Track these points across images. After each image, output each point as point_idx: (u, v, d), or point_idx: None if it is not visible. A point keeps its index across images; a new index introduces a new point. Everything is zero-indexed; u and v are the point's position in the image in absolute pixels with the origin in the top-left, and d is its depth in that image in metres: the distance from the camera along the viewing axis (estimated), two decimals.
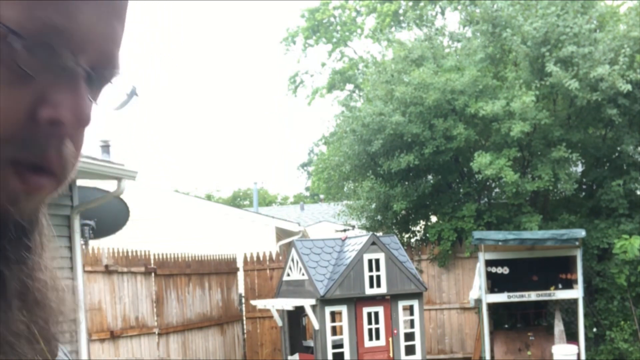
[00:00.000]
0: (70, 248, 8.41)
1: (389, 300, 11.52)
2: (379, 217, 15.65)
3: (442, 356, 14.99)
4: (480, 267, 12.48)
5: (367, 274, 11.33)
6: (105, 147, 12.10)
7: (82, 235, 8.77)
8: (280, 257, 15.40)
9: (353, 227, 17.05)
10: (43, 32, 0.63)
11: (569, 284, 12.41)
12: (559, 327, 12.48)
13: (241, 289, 15.45)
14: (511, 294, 12.37)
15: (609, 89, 12.88)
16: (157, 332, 11.99)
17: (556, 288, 12.39)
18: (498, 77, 14.92)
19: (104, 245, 10.87)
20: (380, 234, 13.73)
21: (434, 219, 15.77)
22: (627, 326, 13.61)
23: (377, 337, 11.43)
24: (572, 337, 12.74)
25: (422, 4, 25.88)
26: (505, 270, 12.65)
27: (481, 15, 14.71)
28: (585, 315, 12.96)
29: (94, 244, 10.35)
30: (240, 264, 15.37)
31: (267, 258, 15.48)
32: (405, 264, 11.65)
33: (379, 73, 15.58)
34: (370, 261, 11.36)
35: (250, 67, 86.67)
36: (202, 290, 13.76)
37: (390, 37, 18.80)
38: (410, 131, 14.03)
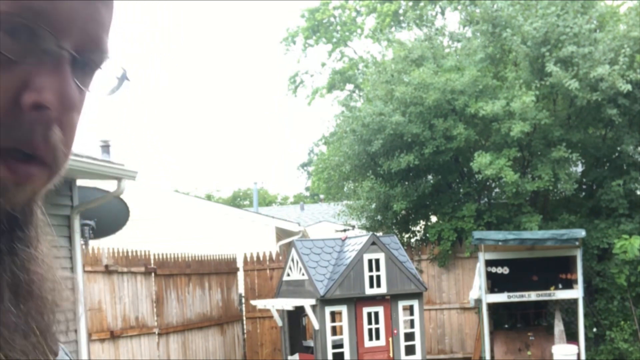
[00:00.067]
0: (70, 248, 8.41)
1: (389, 300, 11.52)
2: (379, 217, 15.65)
3: (442, 356, 14.99)
4: (480, 267, 12.48)
5: (367, 274, 11.33)
6: (105, 147, 12.10)
7: (82, 235, 8.77)
8: (280, 257, 15.40)
9: (353, 227, 17.05)
10: (23, 15, 0.62)
11: (569, 284, 12.41)
12: (559, 327, 12.48)
13: (241, 289, 15.45)
14: (511, 294, 12.37)
15: (609, 89, 12.88)
16: (157, 332, 11.99)
17: (556, 288, 12.39)
18: (498, 77, 14.92)
19: (104, 245, 10.87)
20: (380, 234, 13.73)
21: (434, 219, 15.77)
22: (627, 326, 13.61)
23: (377, 337, 11.43)
24: (572, 337, 12.74)
25: (422, 4, 25.87)
26: (505, 270, 12.65)
27: (481, 15, 14.71)
28: (585, 315, 12.96)
29: (94, 244, 10.35)
30: (240, 264, 15.38)
31: (267, 258, 15.48)
32: (405, 264, 11.65)
33: (379, 73, 15.58)
34: (370, 261, 11.36)
35: (251, 67, 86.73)
36: (202, 290, 13.76)
37: (390, 37, 18.80)
38: (410, 131, 14.03)
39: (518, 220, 14.03)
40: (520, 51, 13.68)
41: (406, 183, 15.29)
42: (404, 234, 15.81)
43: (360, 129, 14.62)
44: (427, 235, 15.10)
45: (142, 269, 11.69)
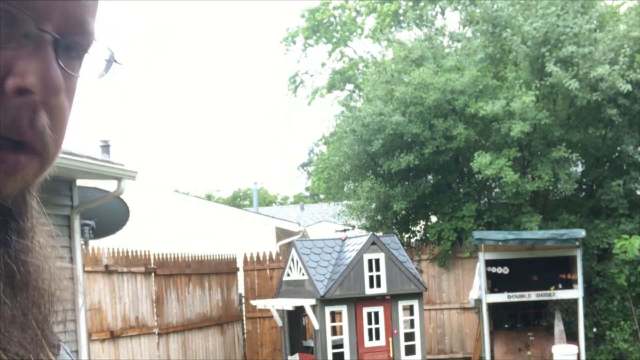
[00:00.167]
0: (70, 248, 8.41)
1: (389, 300, 11.52)
2: (379, 217, 15.65)
3: (442, 356, 14.99)
4: (480, 267, 12.48)
5: (367, 274, 11.33)
6: (105, 147, 12.11)
7: (82, 235, 8.78)
8: (280, 257, 15.40)
9: (353, 227, 17.05)
10: (1, 0, 0.61)
11: (569, 284, 12.41)
12: (559, 327, 12.48)
13: (241, 289, 15.45)
14: (511, 294, 12.37)
15: (609, 89, 12.88)
16: (157, 332, 11.99)
17: (556, 288, 12.39)
18: (498, 77, 14.92)
19: (104, 245, 10.87)
20: (380, 234, 13.73)
21: (434, 219, 15.77)
22: (627, 326, 13.61)
23: (377, 337, 11.43)
24: (572, 337, 12.74)
25: (422, 4, 25.87)
26: (505, 270, 12.65)
27: (481, 15, 14.71)
28: (585, 315, 12.96)
29: (94, 244, 10.35)
30: (240, 264, 15.38)
31: (267, 258, 15.48)
32: (405, 264, 11.65)
33: (379, 73, 15.58)
34: (370, 261, 11.36)
35: (250, 67, 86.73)
36: (202, 290, 13.76)
37: (390, 37, 18.80)
38: (410, 131, 14.03)
39: (518, 220, 14.04)
40: (520, 51, 13.68)
41: (406, 183, 15.29)
42: (404, 234, 15.82)
43: (360, 129, 14.62)
44: (427, 235, 15.10)
45: (142, 269, 11.69)
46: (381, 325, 11.44)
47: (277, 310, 12.30)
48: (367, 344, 11.37)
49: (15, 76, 0.62)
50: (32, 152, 0.65)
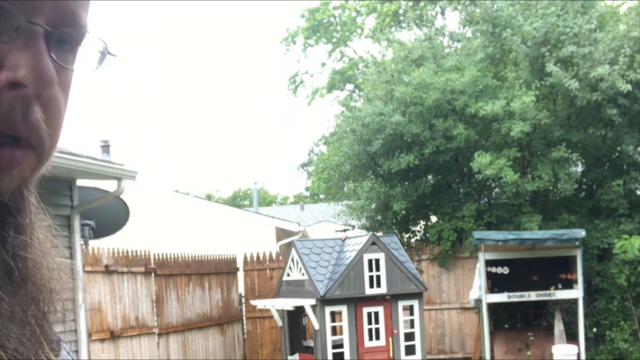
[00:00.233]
0: (70, 248, 8.41)
1: (389, 300, 11.52)
2: (379, 217, 15.65)
3: (442, 356, 14.99)
4: (480, 267, 12.48)
5: (367, 274, 11.33)
6: (105, 147, 12.11)
7: (82, 235, 8.77)
8: (280, 257, 15.40)
9: (353, 227, 17.05)
10: None
11: (569, 284, 12.41)
12: (559, 327, 12.48)
13: (241, 289, 15.45)
14: (511, 294, 12.37)
15: (609, 89, 12.88)
16: (157, 332, 11.99)
17: (556, 288, 12.39)
18: (498, 77, 14.92)
19: (104, 245, 10.87)
20: (380, 234, 13.73)
21: (434, 219, 15.77)
22: (627, 326, 13.61)
23: (377, 337, 11.43)
24: (572, 337, 12.74)
25: (422, 4, 25.87)
26: (505, 270, 12.65)
27: (481, 15, 14.71)
28: (585, 315, 12.96)
29: (94, 244, 10.35)
30: (240, 264, 15.38)
31: (267, 258, 15.48)
32: (405, 264, 11.65)
33: (379, 73, 15.58)
34: (370, 261, 11.36)
35: (250, 67, 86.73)
36: (202, 290, 13.76)
37: (390, 37, 18.79)
38: (410, 131, 14.03)
39: (518, 220, 14.04)
40: (520, 51, 13.68)
41: (406, 183, 15.29)
42: (404, 234, 15.82)
43: (360, 129, 14.62)
44: (427, 235, 15.10)
45: (142, 269, 11.70)
46: (381, 325, 11.44)
47: (277, 310, 12.30)
48: (367, 344, 11.37)
49: (6, 70, 0.62)
50: (28, 147, 0.64)
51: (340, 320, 11.52)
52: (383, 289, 11.39)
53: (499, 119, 13.67)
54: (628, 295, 13.74)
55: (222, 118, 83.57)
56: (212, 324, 13.95)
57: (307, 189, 49.09)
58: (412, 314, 11.74)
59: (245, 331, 15.49)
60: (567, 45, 13.17)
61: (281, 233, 18.60)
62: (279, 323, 12.50)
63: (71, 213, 8.39)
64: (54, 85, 0.65)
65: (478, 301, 12.77)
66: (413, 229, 16.07)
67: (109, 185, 9.15)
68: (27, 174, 0.66)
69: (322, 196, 36.29)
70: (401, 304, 11.58)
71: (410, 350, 11.59)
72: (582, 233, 12.02)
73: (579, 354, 12.09)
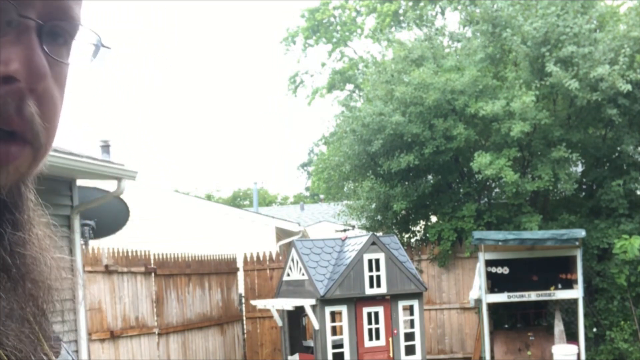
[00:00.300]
0: (70, 248, 8.41)
1: (389, 300, 11.52)
2: (379, 217, 15.65)
3: (442, 356, 14.99)
4: (480, 267, 12.48)
5: (367, 274, 11.33)
6: (105, 147, 12.11)
7: (82, 235, 8.77)
8: (280, 257, 15.41)
9: (353, 227, 17.05)
10: None
11: (569, 284, 12.41)
12: (559, 327, 12.48)
13: (241, 289, 15.45)
14: (511, 294, 12.37)
15: (609, 89, 12.88)
16: (157, 332, 11.99)
17: (556, 288, 12.39)
18: (498, 77, 14.92)
19: (104, 245, 10.87)
20: (380, 234, 13.73)
21: (434, 219, 15.77)
22: (627, 326, 13.61)
23: (377, 337, 11.43)
24: (572, 337, 12.74)
25: (422, 4, 25.87)
26: (505, 270, 12.65)
27: (481, 15, 14.71)
28: (585, 315, 12.96)
29: (94, 244, 10.35)
30: (240, 264, 15.38)
31: (267, 258, 15.48)
32: (405, 264, 11.65)
33: (379, 73, 15.58)
34: (370, 261, 11.36)
35: (250, 67, 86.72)
36: (202, 290, 13.76)
37: (390, 37, 18.79)
38: (410, 131, 14.03)
39: (518, 220, 14.04)
40: (520, 51, 13.67)
41: (406, 183, 15.29)
42: (404, 234, 15.82)
43: (360, 129, 14.62)
44: (427, 235, 15.10)
45: (142, 269, 11.70)
46: (381, 325, 11.44)
47: (277, 310, 12.30)
48: (367, 344, 11.37)
49: None
50: (24, 142, 0.64)
51: (340, 320, 11.52)
52: (383, 289, 11.39)
53: (499, 119, 13.67)
54: (628, 295, 13.74)
55: (222, 118, 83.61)
56: (212, 324, 13.95)
57: (307, 189, 49.09)
58: (412, 314, 11.74)
59: (245, 331, 15.49)
60: (567, 45, 13.17)
61: (281, 233, 18.60)
62: (279, 323, 12.50)
63: (71, 213, 8.39)
64: (48, 79, 0.64)
65: (478, 301, 12.77)
66: (413, 229, 16.07)
67: (109, 185, 9.15)
68: (23, 169, 0.65)
69: (322, 196, 36.30)
70: (401, 304, 11.59)
71: (410, 350, 11.59)
72: (582, 233, 12.02)
73: (579, 354, 12.09)
